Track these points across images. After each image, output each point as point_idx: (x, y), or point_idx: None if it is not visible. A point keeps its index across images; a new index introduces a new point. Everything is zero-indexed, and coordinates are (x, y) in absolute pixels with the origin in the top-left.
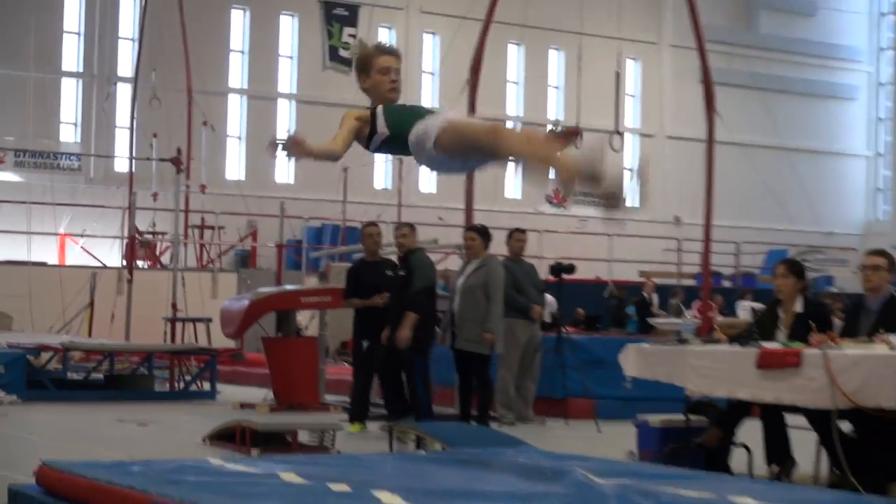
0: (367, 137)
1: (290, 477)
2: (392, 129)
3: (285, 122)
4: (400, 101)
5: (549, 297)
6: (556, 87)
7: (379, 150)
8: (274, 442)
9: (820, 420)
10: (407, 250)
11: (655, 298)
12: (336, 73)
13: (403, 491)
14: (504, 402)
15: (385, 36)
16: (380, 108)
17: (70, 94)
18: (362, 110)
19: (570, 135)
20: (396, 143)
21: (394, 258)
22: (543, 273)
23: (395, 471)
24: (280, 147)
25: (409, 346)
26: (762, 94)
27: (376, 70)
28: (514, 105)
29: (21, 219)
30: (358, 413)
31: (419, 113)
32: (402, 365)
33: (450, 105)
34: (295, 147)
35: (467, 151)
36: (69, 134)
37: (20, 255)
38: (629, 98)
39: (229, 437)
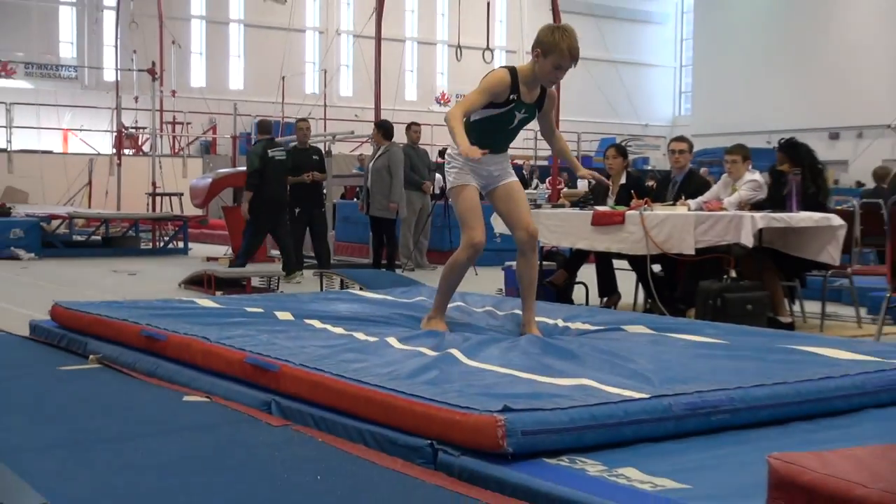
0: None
1: (252, 309)
2: (474, 125)
3: (236, 42)
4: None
5: (437, 176)
6: (442, 14)
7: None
8: (233, 286)
9: (637, 263)
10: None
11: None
12: (274, 5)
13: (330, 319)
14: (405, 254)
15: None
16: (505, 108)
17: (67, 19)
18: (504, 91)
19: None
20: (467, 126)
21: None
22: (434, 157)
23: (322, 303)
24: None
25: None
26: (597, 20)
27: (554, 63)
28: (412, 27)
29: (32, 117)
30: (294, 263)
31: (498, 143)
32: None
33: None
34: (470, 151)
35: None
36: (67, 50)
37: (32, 145)
38: (497, 22)
39: (199, 282)
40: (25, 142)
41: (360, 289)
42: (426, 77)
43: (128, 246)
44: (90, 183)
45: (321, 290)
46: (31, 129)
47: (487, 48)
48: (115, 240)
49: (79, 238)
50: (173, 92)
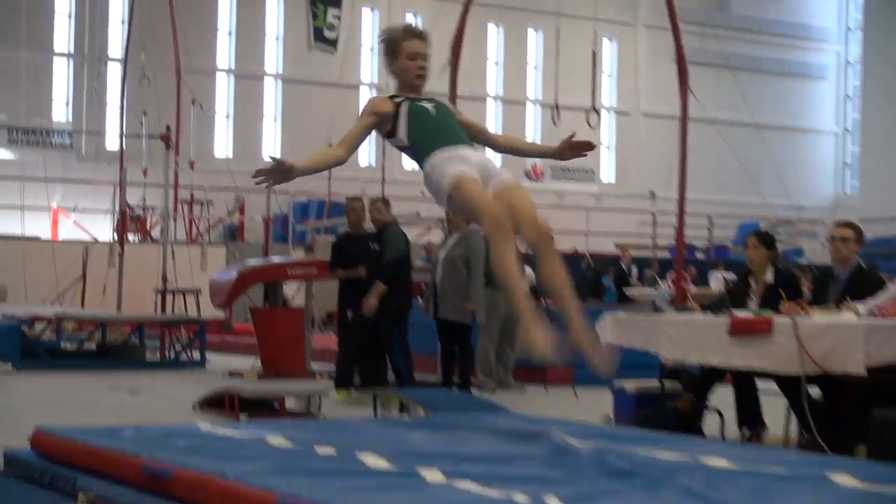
0: (386, 134)
1: (277, 441)
2: (412, 142)
3: (271, 100)
4: (427, 94)
5: (528, 270)
6: (536, 67)
7: (398, 148)
8: (261, 408)
9: (789, 385)
10: (381, 224)
11: (634, 270)
12: (321, 54)
13: (388, 453)
14: (485, 370)
15: (367, 17)
16: (404, 108)
17: (62, 74)
18: (385, 103)
19: (581, 146)
20: (414, 155)
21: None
22: (523, 246)
23: (378, 435)
24: (267, 174)
25: (386, 315)
26: (734, 73)
27: (405, 54)
28: (494, 84)
29: (15, 194)
30: (343, 380)
31: (446, 131)
32: (379, 334)
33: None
34: (281, 174)
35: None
36: (61, 112)
37: (14, 230)
38: (606, 77)
39: (218, 403)
40: (6, 225)
41: (425, 413)
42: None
43: (130, 357)
44: (84, 276)
45: (375, 415)
46: (13, 209)
47: (593, 109)
48: (113, 349)
49: (68, 346)
50: (192, 163)
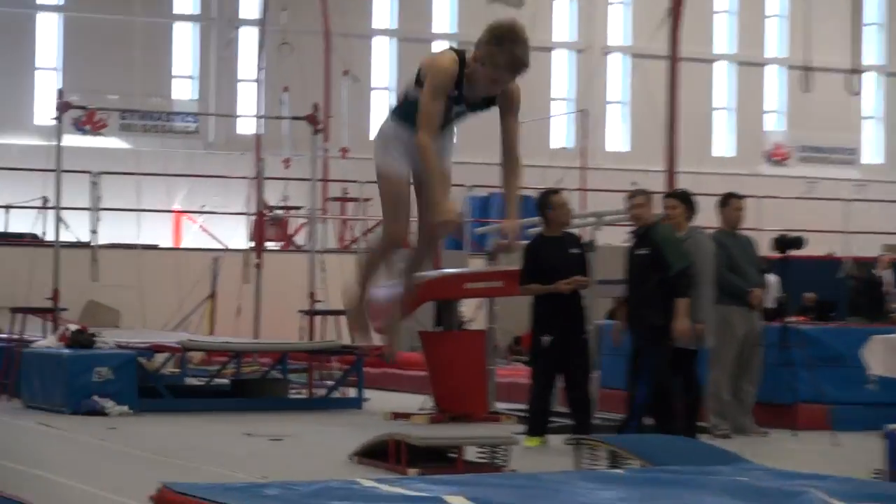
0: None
1: (457, 501)
2: (406, 104)
3: None
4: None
5: (771, 279)
6: (779, 17)
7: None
8: (434, 459)
9: None
10: (645, 223)
11: (889, 277)
12: (503, 10)
13: None
14: (717, 409)
15: None
16: (448, 94)
17: (184, 42)
18: (450, 80)
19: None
20: (399, 105)
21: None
22: (764, 249)
23: (585, 494)
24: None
25: (645, 334)
26: None
27: (490, 72)
28: (724, 41)
29: (129, 193)
30: (537, 424)
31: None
32: (639, 354)
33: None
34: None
35: None
36: (184, 90)
37: (128, 237)
38: (871, 28)
39: (381, 453)
40: (118, 231)
41: (643, 465)
42: (750, 118)
43: (270, 394)
44: (214, 294)
45: (577, 467)
46: (126, 211)
47: (853, 71)
48: (250, 385)
49: (195, 382)
50: (344, 151)
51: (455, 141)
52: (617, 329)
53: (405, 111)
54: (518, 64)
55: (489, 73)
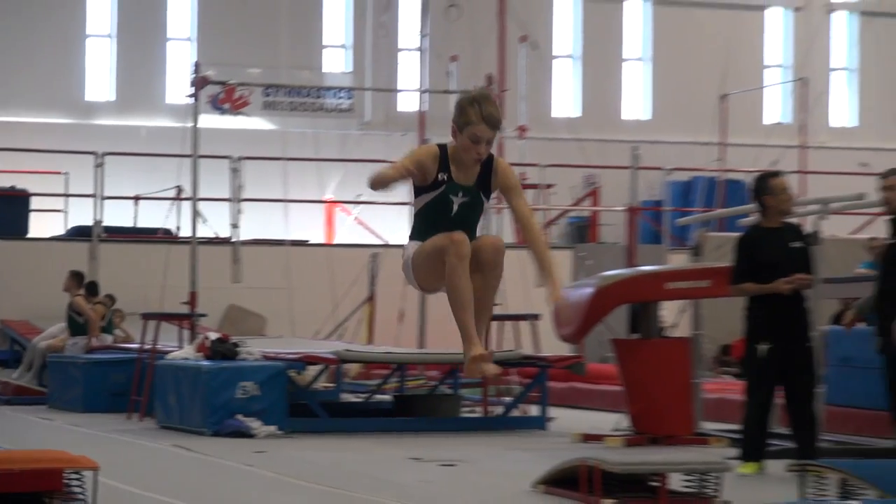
0: (416, 189)
1: None
2: (416, 222)
3: (637, 30)
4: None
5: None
6: None
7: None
8: (633, 488)
9: None
10: None
11: None
12: None
13: None
14: None
15: None
16: (440, 189)
17: (336, 7)
18: (431, 163)
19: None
20: (412, 228)
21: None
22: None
23: None
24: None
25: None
26: None
27: (468, 134)
28: None
29: (275, 181)
30: (753, 447)
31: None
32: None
33: None
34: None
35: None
36: (336, 62)
37: (274, 232)
38: None
39: (570, 481)
40: (263, 225)
41: (881, 496)
42: None
43: (440, 413)
44: (372, 298)
45: (802, 496)
46: (271, 202)
47: None
48: (416, 401)
49: (353, 398)
50: (522, 129)
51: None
52: (877, 332)
53: (420, 230)
54: (492, 117)
55: (468, 133)
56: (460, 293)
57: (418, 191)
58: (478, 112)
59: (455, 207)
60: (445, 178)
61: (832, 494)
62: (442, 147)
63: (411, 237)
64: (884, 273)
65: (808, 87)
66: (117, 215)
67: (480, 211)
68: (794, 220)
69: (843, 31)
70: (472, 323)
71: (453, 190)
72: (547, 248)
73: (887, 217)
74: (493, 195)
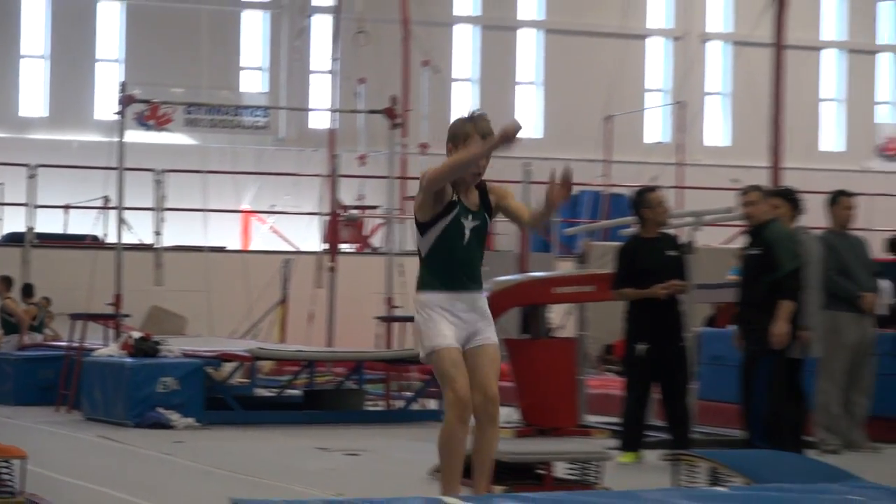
0: (422, 224)
1: None
2: (426, 259)
3: (530, 57)
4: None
5: (884, 283)
6: (893, 1)
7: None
8: (521, 476)
9: None
10: (758, 221)
11: None
12: None
13: None
14: (825, 423)
15: None
16: (450, 215)
17: (254, 32)
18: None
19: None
20: (422, 266)
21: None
22: (877, 250)
23: None
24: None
25: (759, 341)
26: None
27: (465, 143)
28: (833, 26)
29: (195, 192)
30: (631, 438)
31: (462, 271)
32: (752, 363)
33: None
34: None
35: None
36: (253, 82)
37: (194, 239)
38: None
39: (464, 469)
40: (184, 233)
41: (746, 483)
42: (861, 110)
43: (345, 406)
44: (284, 301)
45: (675, 484)
46: (191, 212)
47: None
48: (324, 396)
49: (265, 393)
50: (424, 146)
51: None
52: (737, 334)
53: (429, 275)
54: (488, 132)
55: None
56: (451, 456)
57: (430, 222)
58: (475, 127)
59: (467, 234)
60: (457, 199)
61: (703, 482)
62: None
63: (422, 287)
64: (743, 281)
65: (685, 110)
66: (49, 223)
67: (486, 235)
68: (670, 231)
69: (717, 59)
70: (452, 477)
71: (464, 213)
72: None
73: (746, 229)
74: (495, 218)
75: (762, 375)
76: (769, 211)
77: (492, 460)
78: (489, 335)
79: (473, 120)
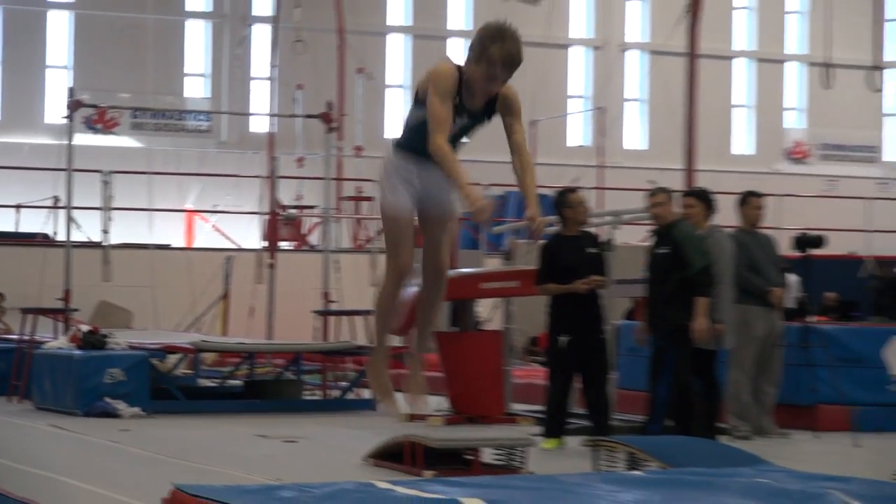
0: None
1: (473, 503)
2: (409, 128)
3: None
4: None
5: (791, 278)
6: (799, 13)
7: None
8: (450, 461)
9: None
10: (667, 222)
11: None
12: (520, 5)
13: None
14: (736, 410)
15: None
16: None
17: (197, 40)
18: (452, 85)
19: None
20: (403, 133)
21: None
22: (785, 248)
23: (605, 495)
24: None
25: (667, 334)
26: None
27: (484, 74)
28: (743, 37)
29: (141, 193)
30: (554, 425)
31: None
32: (660, 355)
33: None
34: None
35: None
36: (196, 88)
37: (140, 237)
38: (892, 23)
39: (396, 455)
40: (130, 231)
41: (662, 467)
42: (770, 116)
43: (284, 396)
44: (227, 295)
45: (595, 468)
46: (138, 211)
47: (874, 67)
48: (263, 386)
49: (208, 383)
50: (358, 149)
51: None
52: (641, 329)
53: (408, 140)
54: (512, 59)
55: (485, 70)
56: (384, 316)
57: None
58: (497, 52)
59: (458, 128)
60: (458, 100)
61: (621, 466)
62: (459, 69)
63: (395, 149)
64: (652, 278)
65: (605, 115)
66: (1, 222)
67: (477, 128)
68: (591, 230)
69: (635, 67)
70: (383, 336)
71: (461, 112)
72: (534, 177)
73: (654, 229)
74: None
75: (669, 367)
76: (676, 211)
77: (432, 324)
78: (448, 205)
79: (504, 40)
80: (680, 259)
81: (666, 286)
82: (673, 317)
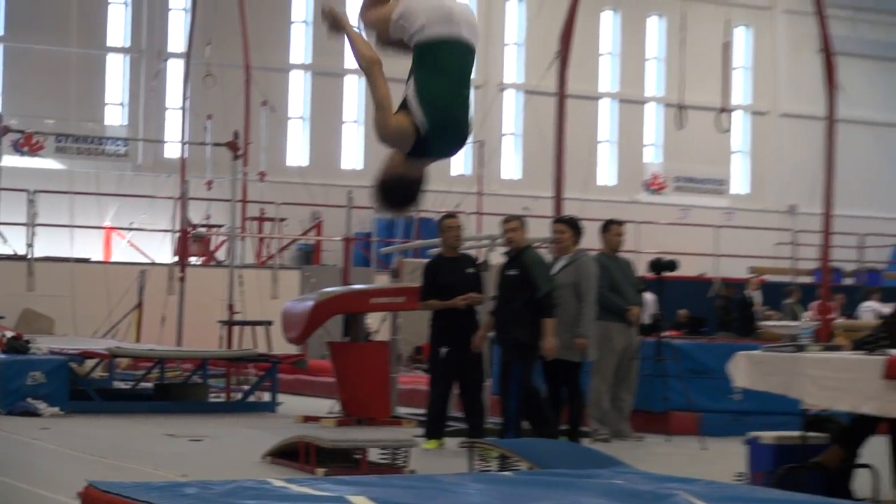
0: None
1: (359, 501)
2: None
3: (353, 101)
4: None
5: (648, 297)
6: (657, 59)
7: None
8: (341, 460)
9: None
10: (518, 247)
11: (759, 297)
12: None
13: None
14: (597, 416)
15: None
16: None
17: (116, 72)
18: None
19: None
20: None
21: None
22: (642, 270)
23: (476, 494)
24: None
25: (512, 349)
26: (890, 66)
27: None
28: (608, 80)
29: (63, 210)
30: (434, 428)
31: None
32: (507, 367)
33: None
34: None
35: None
36: (115, 116)
37: (62, 251)
38: (739, 71)
39: (292, 454)
40: (53, 245)
41: (530, 468)
42: (630, 151)
43: (191, 398)
44: (140, 305)
45: (470, 468)
46: (60, 227)
47: (722, 110)
48: (173, 388)
49: (122, 386)
50: (262, 174)
51: None
52: (479, 337)
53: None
54: None
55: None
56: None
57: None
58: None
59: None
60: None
61: (494, 466)
62: None
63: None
64: (501, 297)
65: (485, 148)
66: None
67: None
68: (470, 251)
69: (511, 105)
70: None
71: None
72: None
73: (506, 252)
74: None
75: (514, 378)
76: (527, 238)
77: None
78: None
79: None
80: (527, 282)
81: (512, 305)
82: (517, 334)
